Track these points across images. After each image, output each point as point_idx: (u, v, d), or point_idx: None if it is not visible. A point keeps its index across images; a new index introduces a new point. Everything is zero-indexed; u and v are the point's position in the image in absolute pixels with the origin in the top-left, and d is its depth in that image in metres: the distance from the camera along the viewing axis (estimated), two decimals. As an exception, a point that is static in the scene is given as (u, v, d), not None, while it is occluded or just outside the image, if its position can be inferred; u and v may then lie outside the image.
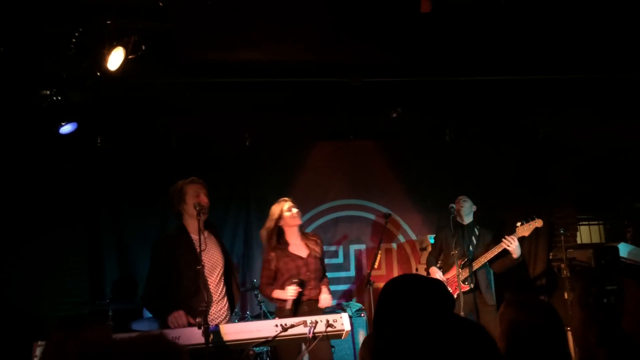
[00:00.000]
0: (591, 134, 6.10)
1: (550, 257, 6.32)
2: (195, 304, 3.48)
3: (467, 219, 5.15)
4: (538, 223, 4.92)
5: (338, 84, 5.34)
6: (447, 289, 1.61)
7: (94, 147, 5.76)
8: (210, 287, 3.68)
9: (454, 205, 5.07)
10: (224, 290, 3.82)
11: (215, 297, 3.71)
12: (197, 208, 3.61)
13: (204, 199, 3.76)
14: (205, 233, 3.73)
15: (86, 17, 3.87)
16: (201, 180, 3.85)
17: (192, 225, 3.77)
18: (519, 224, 4.93)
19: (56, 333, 2.06)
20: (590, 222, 7.04)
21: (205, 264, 3.60)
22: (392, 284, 1.55)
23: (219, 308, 3.74)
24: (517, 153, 6.54)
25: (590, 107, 5.86)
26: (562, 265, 5.81)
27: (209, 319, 3.44)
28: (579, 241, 6.64)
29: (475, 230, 5.17)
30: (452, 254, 4.90)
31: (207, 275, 3.64)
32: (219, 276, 3.80)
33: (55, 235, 5.57)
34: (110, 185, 5.82)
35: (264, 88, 5.39)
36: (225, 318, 3.77)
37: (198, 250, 3.50)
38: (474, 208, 5.22)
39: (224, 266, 3.85)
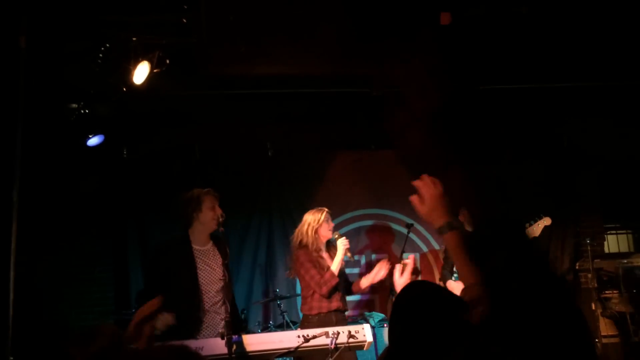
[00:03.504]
0: (617, 142, 5.99)
1: (577, 267, 6.20)
2: (190, 317, 3.56)
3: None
4: (546, 221, 4.77)
5: (359, 94, 5.36)
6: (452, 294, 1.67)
7: (120, 159, 5.88)
8: (205, 302, 3.66)
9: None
10: (222, 307, 3.69)
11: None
12: (221, 219, 3.70)
13: (220, 211, 3.78)
14: (209, 244, 3.81)
15: (112, 33, 3.97)
16: (217, 193, 3.84)
17: (198, 235, 3.77)
18: (527, 225, 4.83)
19: (65, 348, 2.05)
20: (618, 231, 6.90)
21: (205, 278, 3.68)
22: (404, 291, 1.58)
23: (215, 323, 3.66)
24: (541, 161, 6.45)
25: (616, 114, 5.76)
26: (589, 276, 5.70)
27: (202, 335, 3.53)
28: (606, 251, 6.51)
29: None
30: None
31: (205, 289, 3.67)
32: (216, 291, 3.73)
33: (82, 246, 5.66)
34: (136, 196, 5.92)
35: (286, 99, 5.44)
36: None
37: (196, 262, 3.60)
38: None
39: (224, 283, 3.72)
